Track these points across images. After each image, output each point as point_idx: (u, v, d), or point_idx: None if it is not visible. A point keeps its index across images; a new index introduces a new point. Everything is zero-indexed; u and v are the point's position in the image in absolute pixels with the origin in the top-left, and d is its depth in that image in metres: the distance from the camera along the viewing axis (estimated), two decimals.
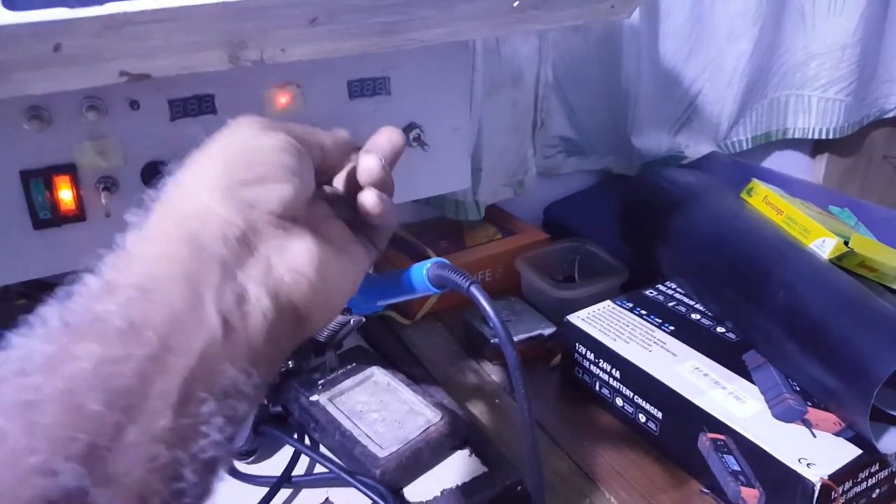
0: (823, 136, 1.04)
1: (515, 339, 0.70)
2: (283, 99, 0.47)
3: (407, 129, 0.52)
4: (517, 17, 0.44)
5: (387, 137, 0.37)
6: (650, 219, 0.71)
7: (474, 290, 0.36)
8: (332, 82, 0.48)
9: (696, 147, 0.96)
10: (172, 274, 0.27)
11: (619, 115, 0.91)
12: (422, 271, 0.38)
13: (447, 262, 0.39)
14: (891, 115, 1.10)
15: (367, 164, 0.35)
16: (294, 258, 0.31)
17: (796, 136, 1.05)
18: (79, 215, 0.45)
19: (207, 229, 0.29)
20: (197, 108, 0.45)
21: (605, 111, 0.92)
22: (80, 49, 0.36)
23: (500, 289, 0.76)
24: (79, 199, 0.45)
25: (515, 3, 0.43)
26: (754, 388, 0.54)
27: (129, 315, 0.26)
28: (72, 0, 0.35)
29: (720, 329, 0.61)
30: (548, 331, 0.69)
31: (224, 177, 0.30)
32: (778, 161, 1.09)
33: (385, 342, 0.68)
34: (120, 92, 0.43)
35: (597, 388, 0.61)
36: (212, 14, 0.36)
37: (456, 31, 0.44)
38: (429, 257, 0.77)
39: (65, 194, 0.45)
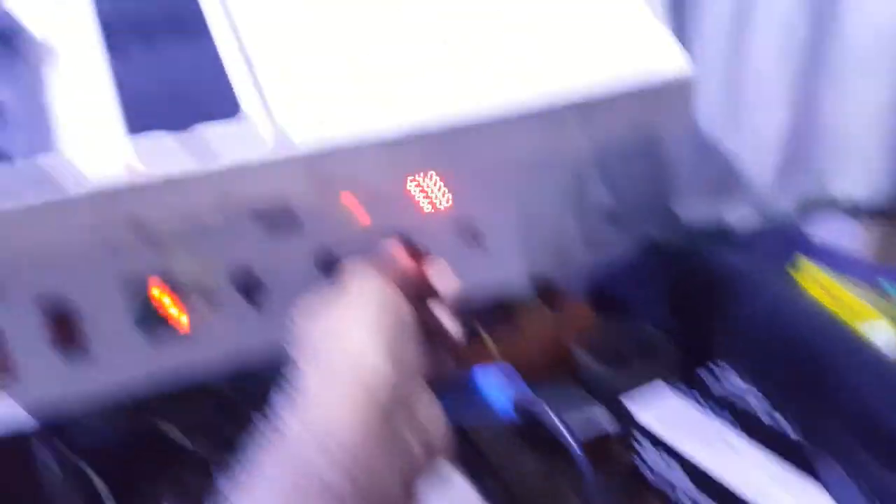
0: (867, 200, 1.04)
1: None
2: (361, 216, 0.50)
3: (469, 232, 0.54)
4: (572, 135, 0.47)
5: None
6: (699, 296, 0.72)
7: (546, 416, 0.37)
8: (399, 197, 0.52)
9: (740, 216, 0.97)
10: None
11: (661, 184, 0.93)
12: (503, 397, 0.40)
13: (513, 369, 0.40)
14: None
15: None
16: (429, 409, 0.36)
17: (841, 201, 1.05)
18: (179, 322, 0.49)
19: (379, 387, 0.34)
20: (284, 222, 0.49)
21: (647, 181, 0.93)
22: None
23: (550, 363, 0.77)
24: (179, 309, 0.49)
25: (568, 122, 0.46)
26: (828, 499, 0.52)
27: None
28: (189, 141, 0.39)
29: (779, 421, 0.61)
30: (611, 426, 0.68)
31: (387, 339, 0.35)
32: (823, 226, 1.09)
33: None
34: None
35: (651, 476, 0.61)
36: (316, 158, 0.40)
37: (520, 154, 0.47)
38: (481, 335, 0.78)
39: (167, 303, 0.48)
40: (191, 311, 0.49)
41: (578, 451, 0.36)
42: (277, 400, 0.34)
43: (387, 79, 0.45)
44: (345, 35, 0.47)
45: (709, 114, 0.93)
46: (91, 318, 0.47)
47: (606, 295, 0.89)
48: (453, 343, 0.42)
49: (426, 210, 0.53)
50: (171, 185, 0.39)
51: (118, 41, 0.43)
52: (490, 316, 0.82)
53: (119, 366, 0.48)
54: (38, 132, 0.39)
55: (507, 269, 0.57)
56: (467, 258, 0.55)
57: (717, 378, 0.65)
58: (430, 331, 0.40)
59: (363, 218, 0.51)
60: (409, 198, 0.52)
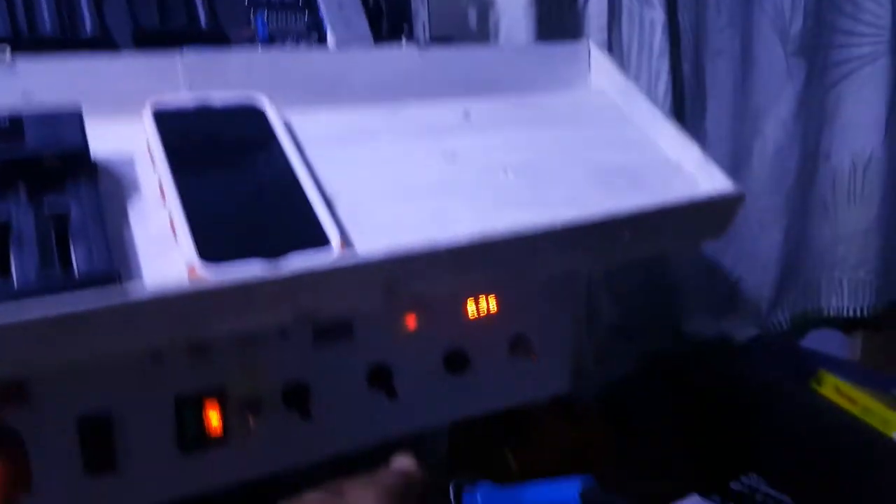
0: (856, 315, 1.09)
1: None
2: (411, 322, 0.52)
3: (515, 340, 0.56)
4: (625, 248, 0.50)
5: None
6: (720, 410, 0.73)
7: None
8: (452, 303, 0.53)
9: (741, 330, 1.00)
10: None
11: (667, 302, 0.96)
12: (574, 492, 0.40)
13: (594, 481, 0.41)
14: None
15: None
16: None
17: (831, 314, 1.10)
18: (222, 438, 0.48)
19: None
20: (337, 333, 0.50)
21: (653, 298, 0.97)
22: (265, 299, 0.40)
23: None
24: (224, 423, 0.48)
25: (626, 238, 0.49)
26: None
27: None
28: (261, 250, 0.40)
29: None
30: None
31: None
32: (816, 339, 1.13)
33: None
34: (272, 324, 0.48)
35: None
36: (379, 265, 0.42)
37: (573, 263, 0.49)
38: (504, 455, 0.78)
39: (213, 418, 0.48)
40: (237, 426, 0.48)
41: None
42: None
43: (445, 198, 0.48)
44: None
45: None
46: (130, 436, 0.45)
47: (616, 404, 0.90)
48: None
49: (472, 315, 0.54)
50: (235, 292, 0.38)
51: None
52: (508, 430, 0.81)
53: (151, 485, 0.47)
54: (102, 251, 0.38)
55: (551, 373, 0.58)
56: (513, 365, 0.56)
57: (749, 489, 0.65)
58: None
59: (411, 324, 0.52)
60: (461, 307, 0.54)
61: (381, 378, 0.52)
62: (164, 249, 0.40)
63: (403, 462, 0.42)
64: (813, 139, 1.04)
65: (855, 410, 0.65)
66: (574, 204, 0.49)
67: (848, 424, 0.63)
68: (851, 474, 0.59)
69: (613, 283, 0.94)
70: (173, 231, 0.41)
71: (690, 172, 0.54)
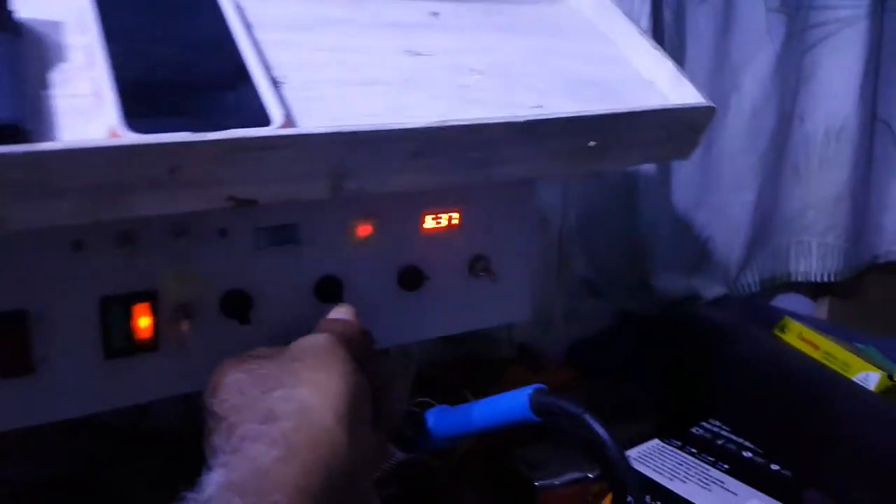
0: (824, 280, 1.08)
1: (557, 481, 0.68)
2: (364, 231, 0.48)
3: (474, 261, 0.53)
4: (592, 156, 0.47)
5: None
6: (685, 357, 0.71)
7: (590, 418, 0.35)
8: (408, 215, 0.50)
9: (710, 289, 0.99)
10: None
11: (637, 258, 0.94)
12: (523, 397, 0.38)
13: (547, 388, 0.38)
14: (882, 261, 1.15)
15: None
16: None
17: (799, 279, 1.09)
18: (152, 344, 0.44)
19: (336, 453, 0.33)
20: (282, 238, 0.46)
21: (624, 255, 0.95)
22: (195, 173, 0.37)
23: (534, 428, 0.74)
24: (155, 328, 0.44)
25: (591, 144, 0.46)
26: None
27: None
28: (192, 125, 0.36)
29: (774, 466, 0.60)
30: (592, 472, 0.66)
31: (350, 412, 0.35)
32: (783, 303, 1.12)
33: (417, 487, 0.65)
34: (210, 219, 0.44)
35: None
36: (326, 143, 0.38)
37: (536, 168, 0.46)
38: (465, 397, 0.75)
39: (142, 323, 0.44)
40: (170, 332, 0.44)
41: (617, 451, 0.34)
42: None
43: (405, 92, 0.44)
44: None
45: (682, 193, 0.96)
46: (49, 337, 0.41)
47: (585, 359, 0.88)
48: (394, 404, 0.42)
49: (429, 229, 0.51)
50: (159, 159, 0.34)
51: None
52: (473, 377, 0.79)
53: (74, 393, 0.42)
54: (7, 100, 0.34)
55: (511, 299, 0.55)
56: (471, 286, 0.53)
57: (711, 434, 0.64)
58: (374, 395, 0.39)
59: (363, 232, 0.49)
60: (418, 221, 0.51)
61: (329, 290, 0.48)
62: (88, 118, 0.36)
63: (342, 311, 0.43)
64: (789, 101, 1.02)
65: (817, 355, 0.63)
66: (542, 108, 0.46)
67: (809, 368, 0.61)
68: (812, 418, 0.58)
69: (585, 238, 0.92)
70: (99, 98, 0.37)
71: (663, 87, 0.51)
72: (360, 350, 0.40)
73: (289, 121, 0.39)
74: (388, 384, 0.43)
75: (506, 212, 0.53)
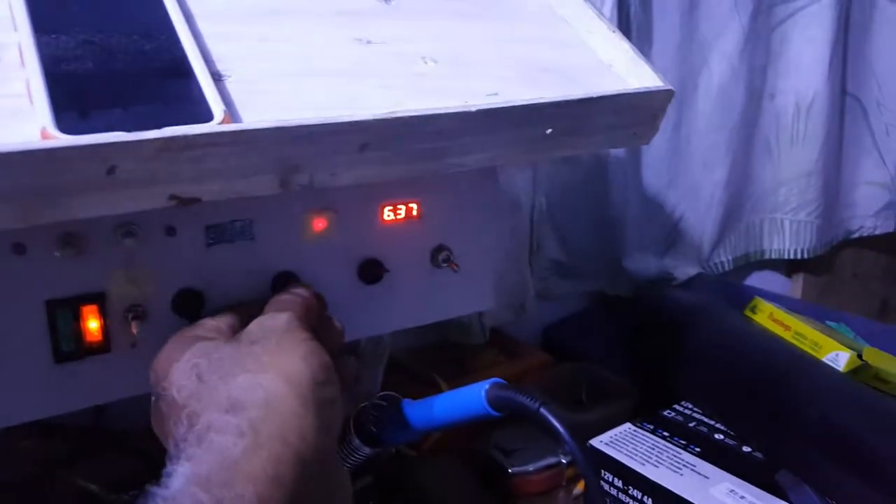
0: (797, 257, 1.08)
1: (531, 467, 0.68)
2: (320, 224, 0.47)
3: (436, 252, 0.52)
4: (550, 144, 0.46)
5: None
6: (657, 340, 0.71)
7: (545, 413, 0.35)
8: (366, 207, 0.49)
9: (682, 269, 0.99)
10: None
11: (609, 239, 0.94)
12: (480, 392, 0.37)
13: (504, 381, 0.38)
14: (855, 236, 1.16)
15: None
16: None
17: (773, 256, 1.09)
18: (103, 347, 0.43)
19: (305, 440, 0.33)
20: (234, 234, 0.45)
21: (596, 236, 0.94)
22: (133, 172, 0.35)
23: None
24: (105, 330, 0.43)
25: (549, 131, 0.45)
26: None
27: None
28: (128, 123, 0.35)
29: (746, 448, 0.60)
30: (565, 458, 0.66)
31: (316, 395, 0.34)
32: (757, 280, 1.13)
33: (392, 477, 0.65)
34: (157, 217, 0.43)
35: None
36: (270, 138, 0.37)
37: (493, 156, 0.45)
38: (436, 383, 0.75)
39: (91, 325, 0.43)
40: (120, 334, 0.43)
41: (574, 445, 0.33)
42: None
43: (355, 83, 0.43)
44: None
45: (653, 173, 0.96)
46: None
47: (559, 342, 0.88)
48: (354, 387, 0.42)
49: (388, 220, 0.50)
50: (94, 161, 0.33)
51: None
52: (445, 362, 0.79)
53: (22, 398, 0.41)
54: None
55: (475, 288, 0.54)
56: (434, 277, 0.53)
57: (683, 417, 0.64)
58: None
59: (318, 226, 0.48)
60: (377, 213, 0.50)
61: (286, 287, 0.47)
62: (22, 119, 0.35)
63: (299, 289, 0.43)
64: (759, 77, 1.02)
65: (787, 336, 0.64)
66: (497, 96, 0.45)
67: (780, 349, 0.61)
68: (779, 398, 0.58)
69: (556, 220, 0.91)
70: (30, 98, 0.35)
71: (621, 70, 0.51)
72: (317, 318, 0.41)
73: (231, 116, 0.37)
74: (345, 348, 0.43)
75: (467, 200, 0.53)
